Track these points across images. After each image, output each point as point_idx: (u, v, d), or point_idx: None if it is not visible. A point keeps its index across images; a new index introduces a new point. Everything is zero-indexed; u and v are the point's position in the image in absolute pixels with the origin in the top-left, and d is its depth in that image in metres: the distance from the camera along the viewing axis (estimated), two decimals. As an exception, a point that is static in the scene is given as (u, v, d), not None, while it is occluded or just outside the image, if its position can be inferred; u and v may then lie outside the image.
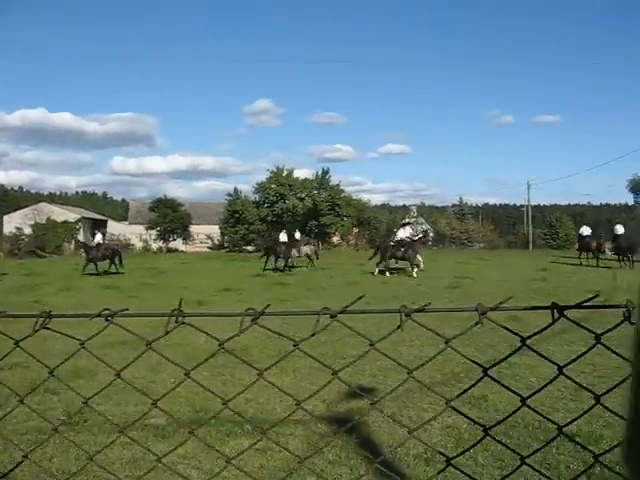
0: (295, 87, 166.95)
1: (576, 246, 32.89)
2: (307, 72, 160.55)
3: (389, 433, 5.12)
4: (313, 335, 1.36)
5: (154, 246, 53.80)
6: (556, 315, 1.34)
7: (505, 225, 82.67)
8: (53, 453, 4.69)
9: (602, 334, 1.42)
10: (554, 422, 1.63)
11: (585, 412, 1.64)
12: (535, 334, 1.46)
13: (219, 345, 1.50)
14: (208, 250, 53.29)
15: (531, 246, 51.18)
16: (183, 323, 1.40)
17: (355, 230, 53.57)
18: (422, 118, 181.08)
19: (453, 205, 74.21)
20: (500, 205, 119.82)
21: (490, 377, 1.47)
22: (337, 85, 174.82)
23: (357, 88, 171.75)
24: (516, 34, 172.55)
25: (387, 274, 22.81)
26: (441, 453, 4.15)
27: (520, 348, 1.47)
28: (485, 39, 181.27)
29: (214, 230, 56.13)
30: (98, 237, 28.26)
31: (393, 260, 24.23)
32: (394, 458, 4.59)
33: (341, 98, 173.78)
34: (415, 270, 22.74)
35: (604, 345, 1.42)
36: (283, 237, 28.86)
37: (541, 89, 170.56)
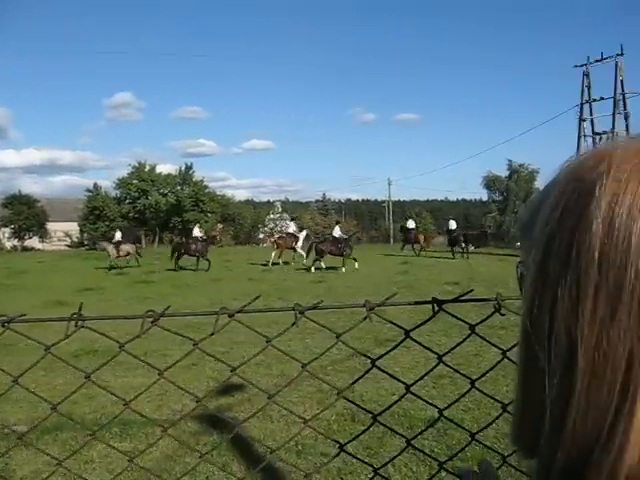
0: (157, 81, 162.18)
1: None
2: (169, 66, 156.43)
3: (259, 428, 5.17)
4: (212, 334, 1.37)
5: (7, 245, 50.56)
6: (436, 308, 1.42)
7: (368, 220, 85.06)
8: None
9: (476, 324, 1.52)
10: (436, 406, 1.73)
11: (462, 396, 1.75)
12: (419, 326, 1.54)
13: (119, 347, 1.49)
14: (67, 248, 50.77)
15: (392, 240, 53.01)
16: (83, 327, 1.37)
17: (219, 226, 53.09)
18: (286, 114, 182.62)
19: (316, 201, 75.57)
20: (362, 201, 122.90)
21: (378, 368, 1.53)
22: (200, 79, 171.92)
23: (221, 83, 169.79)
24: (379, 32, 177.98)
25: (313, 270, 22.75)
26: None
27: (403, 339, 1.54)
28: (348, 36, 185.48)
29: (73, 227, 53.62)
30: None
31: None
32: (265, 452, 4.65)
33: (204, 93, 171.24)
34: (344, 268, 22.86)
35: (478, 335, 1.53)
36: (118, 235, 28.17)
37: (402, 87, 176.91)
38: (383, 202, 67.92)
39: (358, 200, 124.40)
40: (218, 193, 55.33)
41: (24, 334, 1.43)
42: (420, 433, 1.97)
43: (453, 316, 1.52)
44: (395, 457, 2.46)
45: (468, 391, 1.67)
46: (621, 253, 0.46)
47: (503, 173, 50.60)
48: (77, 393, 1.71)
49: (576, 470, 0.48)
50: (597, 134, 33.50)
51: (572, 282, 0.48)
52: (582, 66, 33.89)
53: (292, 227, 29.43)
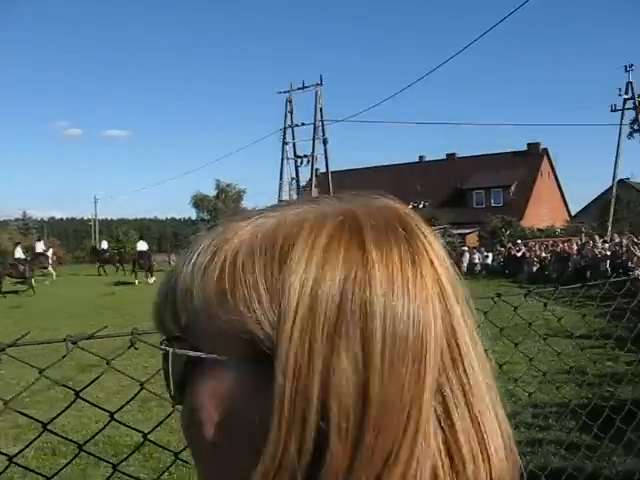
0: None
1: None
2: None
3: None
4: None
5: None
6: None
7: (73, 239, 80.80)
8: None
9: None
10: (140, 430, 1.71)
11: (166, 418, 1.76)
12: (120, 355, 1.52)
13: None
14: None
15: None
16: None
17: None
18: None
19: (16, 219, 69.59)
20: (67, 219, 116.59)
21: (82, 399, 1.48)
22: None
23: None
24: (83, 46, 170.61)
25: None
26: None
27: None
28: (52, 50, 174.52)
29: None
30: None
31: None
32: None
33: None
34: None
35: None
36: None
37: (110, 103, 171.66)
38: (89, 220, 65.18)
39: (62, 218, 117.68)
40: None
41: None
42: (125, 459, 1.94)
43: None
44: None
45: (172, 413, 1.70)
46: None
47: (211, 192, 51.72)
48: None
49: None
50: (298, 157, 36.07)
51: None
52: (285, 92, 36.13)
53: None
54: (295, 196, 33.68)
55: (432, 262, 0.49)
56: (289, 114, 36.18)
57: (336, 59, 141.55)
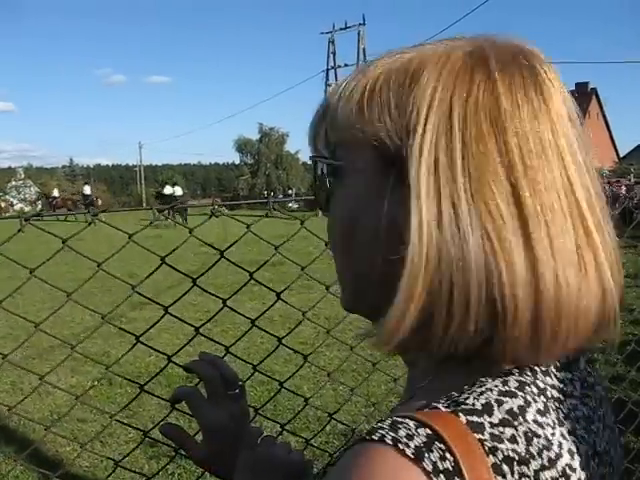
0: None
1: None
2: None
3: (9, 402, 4.94)
4: None
5: None
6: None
7: (119, 186, 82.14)
8: None
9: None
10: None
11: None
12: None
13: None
14: None
15: (145, 204, 51.84)
16: None
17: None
18: (27, 73, 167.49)
19: (63, 166, 70.97)
20: (113, 166, 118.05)
21: (202, 336, 1.61)
22: None
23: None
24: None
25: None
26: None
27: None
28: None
29: None
30: None
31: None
32: (18, 423, 4.49)
33: None
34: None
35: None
36: None
37: (153, 50, 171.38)
38: (134, 166, 65.99)
39: (108, 165, 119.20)
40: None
41: None
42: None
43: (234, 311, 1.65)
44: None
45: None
46: None
47: (254, 136, 51.53)
48: None
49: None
50: (341, 98, 35.46)
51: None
52: (328, 33, 35.40)
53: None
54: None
55: (554, 95, 0.54)
56: (332, 55, 35.59)
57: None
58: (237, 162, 56.50)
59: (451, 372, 0.55)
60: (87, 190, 32.29)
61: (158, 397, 2.24)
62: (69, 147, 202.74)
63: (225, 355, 1.46)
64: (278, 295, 1.74)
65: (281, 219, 16.04)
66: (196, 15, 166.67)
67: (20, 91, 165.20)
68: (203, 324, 1.61)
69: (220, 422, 0.85)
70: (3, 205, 42.74)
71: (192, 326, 1.64)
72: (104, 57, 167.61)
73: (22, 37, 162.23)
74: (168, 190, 32.14)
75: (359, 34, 34.55)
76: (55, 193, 33.37)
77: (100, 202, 31.58)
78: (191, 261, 11.59)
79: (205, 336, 1.68)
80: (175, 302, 1.68)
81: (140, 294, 1.61)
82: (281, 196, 44.42)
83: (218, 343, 1.85)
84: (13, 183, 53.77)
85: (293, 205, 34.00)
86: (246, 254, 10.03)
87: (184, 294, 1.70)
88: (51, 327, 6.92)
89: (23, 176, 56.15)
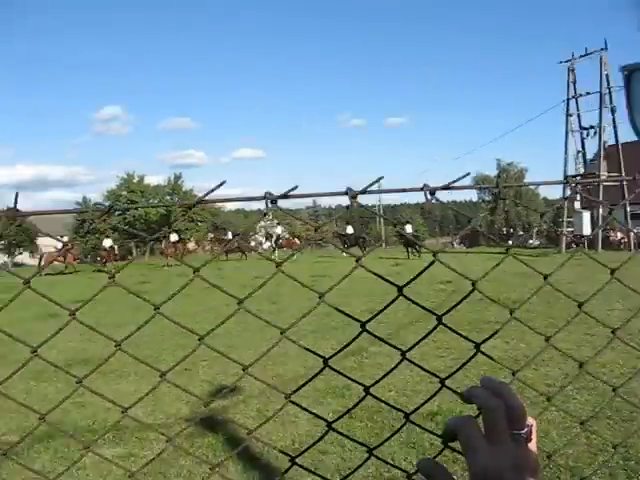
0: (145, 93, 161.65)
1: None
2: (157, 78, 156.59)
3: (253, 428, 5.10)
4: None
5: (-2, 261, 50.11)
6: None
7: (359, 224, 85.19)
8: None
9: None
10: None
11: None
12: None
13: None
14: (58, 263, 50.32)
15: (384, 244, 53.07)
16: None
17: (210, 235, 52.86)
18: (274, 122, 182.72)
19: (307, 207, 75.73)
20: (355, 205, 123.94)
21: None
22: (189, 90, 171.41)
23: (209, 93, 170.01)
24: (365, 39, 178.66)
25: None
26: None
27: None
28: (334, 44, 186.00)
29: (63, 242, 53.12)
30: None
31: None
32: (262, 452, 4.58)
33: (193, 103, 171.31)
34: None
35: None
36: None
37: (388, 91, 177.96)
38: (373, 206, 67.98)
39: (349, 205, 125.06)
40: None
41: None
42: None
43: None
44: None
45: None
46: None
47: (492, 172, 50.85)
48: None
49: None
50: (584, 128, 33.61)
51: None
52: (567, 62, 34.04)
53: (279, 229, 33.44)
54: (582, 170, 31.49)
55: None
56: (572, 84, 33.96)
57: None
58: (474, 199, 55.84)
59: None
60: (349, 229, 34.92)
61: (397, 433, 2.07)
62: (313, 189, 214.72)
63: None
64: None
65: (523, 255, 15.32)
66: (427, 55, 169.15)
67: (267, 138, 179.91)
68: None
69: (497, 470, 0.61)
70: (253, 244, 46.39)
71: (435, 377, 1.45)
72: (342, 102, 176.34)
73: (270, 94, 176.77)
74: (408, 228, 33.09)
75: (601, 60, 32.57)
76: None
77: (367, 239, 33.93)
78: (428, 296, 11.46)
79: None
80: (418, 342, 1.51)
81: (370, 333, 1.44)
82: (521, 232, 43.10)
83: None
84: (262, 223, 58.47)
85: (534, 242, 32.94)
86: (484, 291, 9.60)
87: (429, 333, 1.51)
88: (294, 359, 7.16)
89: (271, 217, 60.74)
